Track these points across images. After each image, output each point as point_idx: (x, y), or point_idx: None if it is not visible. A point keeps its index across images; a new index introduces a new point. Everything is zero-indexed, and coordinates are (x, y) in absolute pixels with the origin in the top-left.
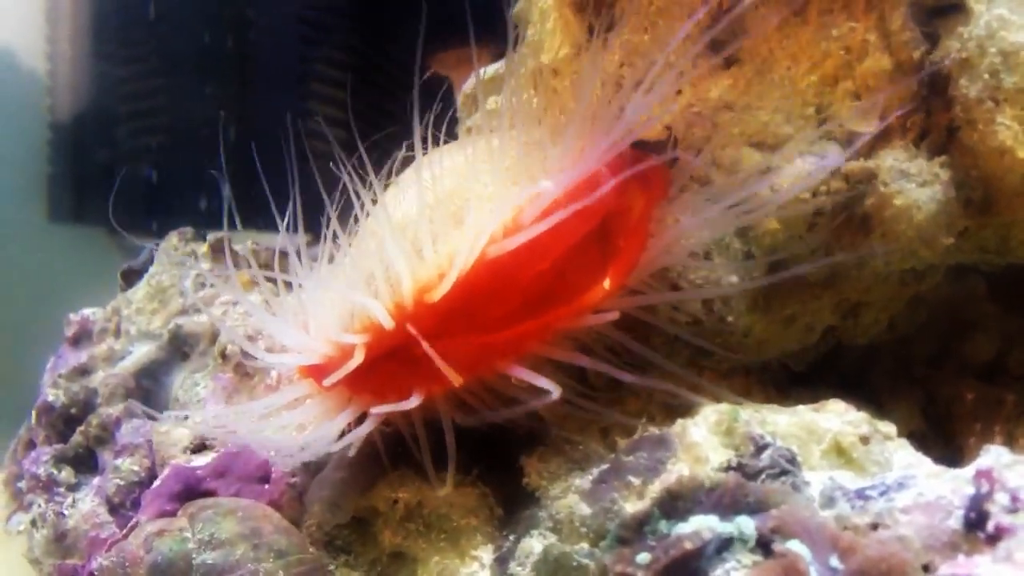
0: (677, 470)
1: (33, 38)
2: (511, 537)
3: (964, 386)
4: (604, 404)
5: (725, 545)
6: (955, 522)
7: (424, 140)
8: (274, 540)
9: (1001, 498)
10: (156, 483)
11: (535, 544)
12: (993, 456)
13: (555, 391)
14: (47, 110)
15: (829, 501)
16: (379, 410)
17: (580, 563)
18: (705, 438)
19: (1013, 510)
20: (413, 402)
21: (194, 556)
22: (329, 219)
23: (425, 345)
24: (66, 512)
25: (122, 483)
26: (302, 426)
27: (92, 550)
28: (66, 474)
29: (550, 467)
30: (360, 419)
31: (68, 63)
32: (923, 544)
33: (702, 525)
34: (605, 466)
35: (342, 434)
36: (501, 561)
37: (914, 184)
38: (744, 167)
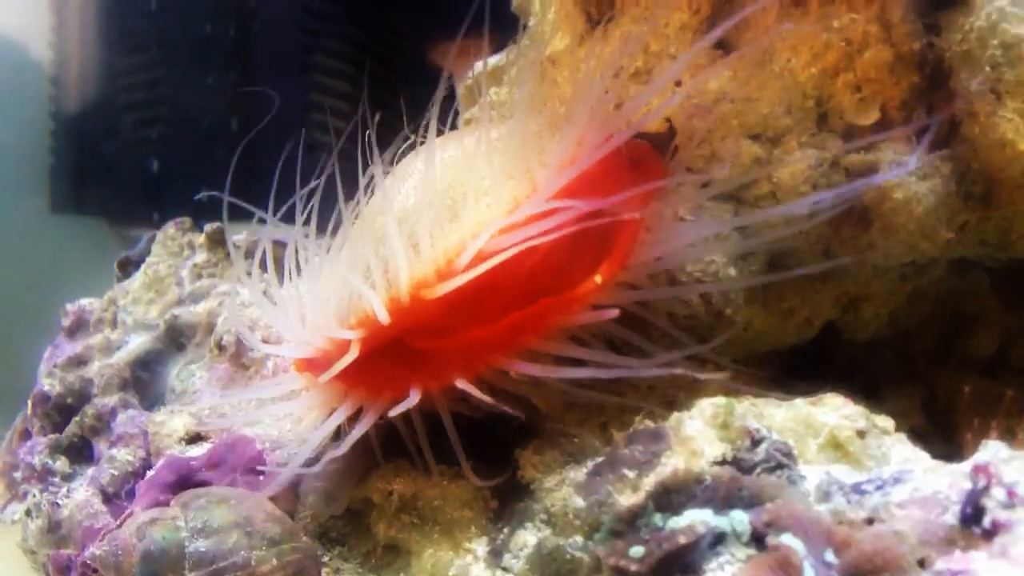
0: (672, 463)
1: (38, 28)
2: (505, 529)
3: (965, 381)
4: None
5: (719, 539)
6: (951, 517)
7: (425, 131)
8: (267, 528)
9: (998, 493)
10: (150, 473)
11: (529, 537)
12: (991, 451)
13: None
14: (50, 100)
15: (825, 495)
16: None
17: (574, 556)
18: (701, 431)
19: (1009, 505)
20: (413, 399)
21: (187, 544)
22: (329, 211)
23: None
24: (61, 502)
25: (117, 473)
26: (298, 418)
27: (86, 540)
28: (61, 464)
29: (545, 459)
30: (356, 413)
31: (72, 53)
32: (919, 539)
33: (696, 519)
34: (600, 459)
35: (338, 428)
36: (495, 553)
37: (914, 177)
38: (743, 159)
